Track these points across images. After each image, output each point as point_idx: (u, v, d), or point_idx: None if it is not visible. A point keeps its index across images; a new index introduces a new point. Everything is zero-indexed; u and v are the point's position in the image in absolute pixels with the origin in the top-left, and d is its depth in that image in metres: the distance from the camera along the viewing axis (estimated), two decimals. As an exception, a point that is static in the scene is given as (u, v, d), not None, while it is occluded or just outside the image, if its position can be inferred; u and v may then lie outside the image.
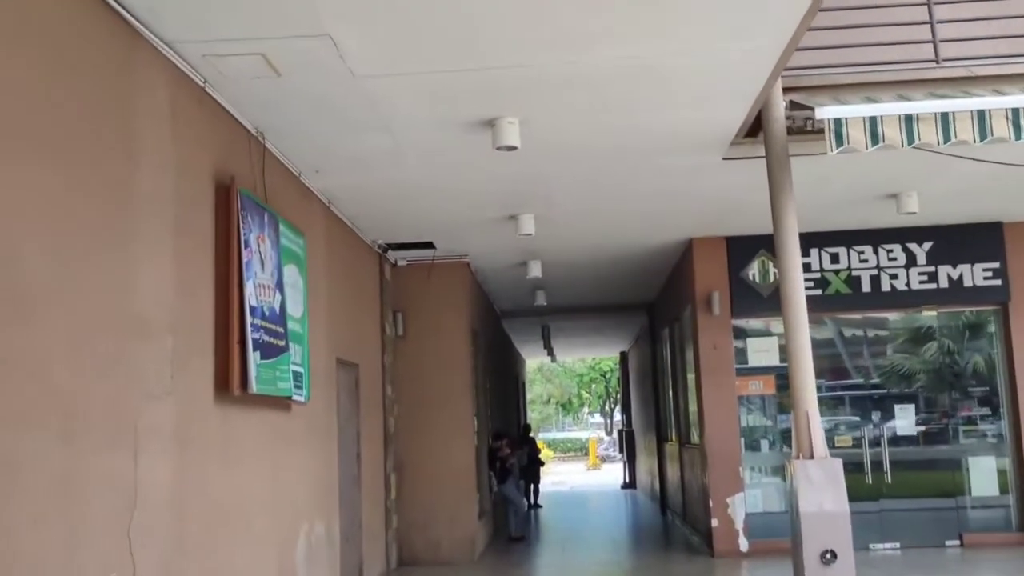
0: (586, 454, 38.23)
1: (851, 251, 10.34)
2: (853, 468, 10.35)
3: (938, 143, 6.17)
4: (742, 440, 10.50)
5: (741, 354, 10.67)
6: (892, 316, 10.76)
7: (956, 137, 6.17)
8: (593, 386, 44.52)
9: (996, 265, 10.17)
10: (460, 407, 10.92)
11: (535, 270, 11.38)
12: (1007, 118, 6.15)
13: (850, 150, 6.28)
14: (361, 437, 8.98)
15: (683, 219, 9.62)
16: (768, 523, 10.36)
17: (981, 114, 6.18)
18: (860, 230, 10.28)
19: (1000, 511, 10.28)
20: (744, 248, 10.42)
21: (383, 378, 10.21)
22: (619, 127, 6.61)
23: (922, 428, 10.57)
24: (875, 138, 6.16)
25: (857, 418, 10.81)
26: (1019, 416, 10.08)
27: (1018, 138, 6.11)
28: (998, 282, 10.15)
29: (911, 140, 6.18)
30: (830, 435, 10.14)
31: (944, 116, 6.18)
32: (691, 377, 11.49)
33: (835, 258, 10.33)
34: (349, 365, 8.65)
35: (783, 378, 10.83)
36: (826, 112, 6.30)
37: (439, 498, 10.64)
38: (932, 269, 10.23)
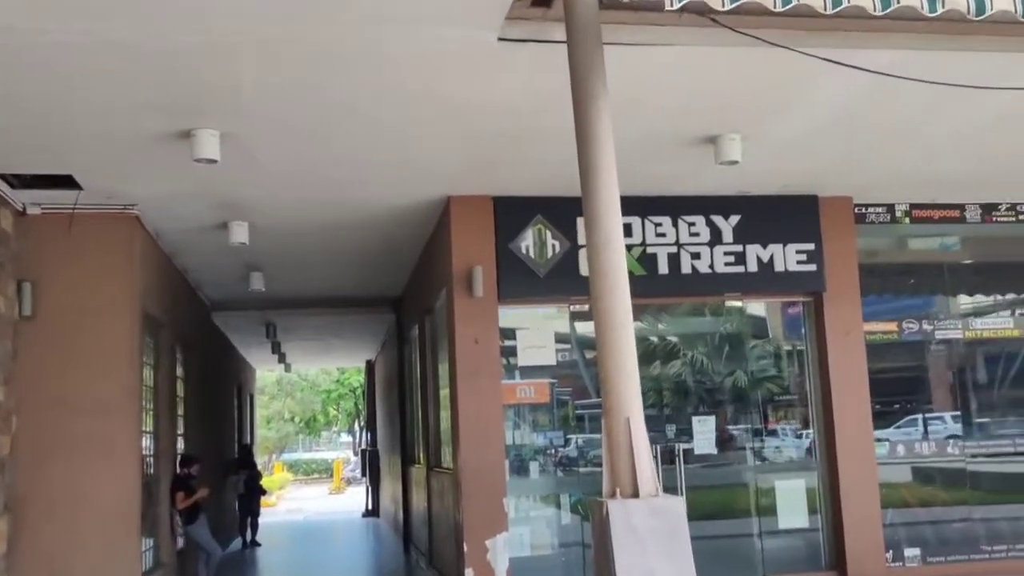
0: (332, 476, 35.18)
1: (646, 222, 8.22)
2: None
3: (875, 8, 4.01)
4: (507, 464, 8.06)
5: (509, 351, 8.26)
6: (694, 305, 8.79)
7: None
8: (341, 403, 41.25)
9: (811, 247, 8.41)
10: (121, 420, 7.67)
11: (240, 234, 8.37)
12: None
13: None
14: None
15: (436, 161, 7.03)
16: (539, 570, 7.99)
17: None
18: (657, 196, 8.19)
19: (810, 543, 8.49)
20: (516, 212, 8.01)
21: (-11, 377, 6.83)
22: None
23: (724, 444, 8.64)
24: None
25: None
26: (832, 428, 8.34)
27: (980, 13, 4.08)
28: (812, 267, 8.39)
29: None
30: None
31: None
32: (445, 383, 8.94)
33: (627, 230, 8.14)
34: None
35: (565, 381, 8.64)
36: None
37: (80, 549, 7.35)
38: (739, 249, 8.31)
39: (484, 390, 7.83)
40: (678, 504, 3.88)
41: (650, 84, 5.65)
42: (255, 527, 15.23)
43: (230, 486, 14.94)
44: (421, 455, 11.39)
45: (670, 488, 8.05)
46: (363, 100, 5.65)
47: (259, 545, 15.10)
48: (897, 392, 9.13)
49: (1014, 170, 8.02)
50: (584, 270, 7.84)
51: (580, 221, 7.75)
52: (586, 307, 7.94)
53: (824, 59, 5.04)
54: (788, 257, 8.35)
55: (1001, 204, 9.01)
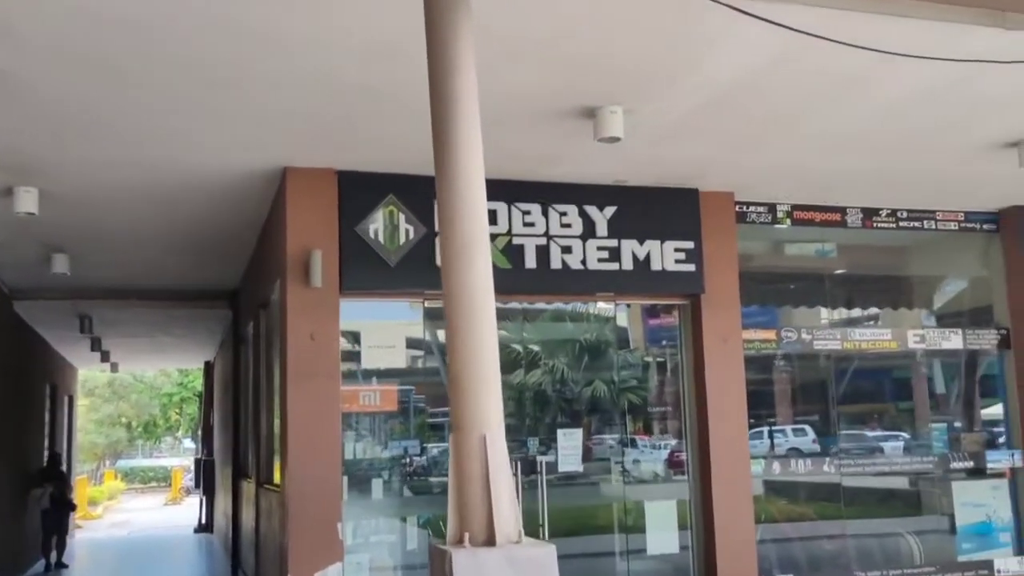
0: (170, 485, 32.82)
1: (513, 209, 7.29)
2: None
3: None
4: (346, 480, 6.95)
5: (353, 353, 7.16)
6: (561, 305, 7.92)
7: None
8: (185, 407, 38.65)
9: (690, 245, 7.68)
10: None
11: (27, 203, 6.93)
12: None
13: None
14: None
15: (268, 121, 5.87)
16: (377, 606, 6.95)
17: None
18: (526, 181, 7.28)
19: (678, 567, 7.74)
20: (365, 189, 6.93)
21: None
22: None
23: (589, 458, 7.82)
24: None
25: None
26: (707, 443, 7.62)
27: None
28: (691, 267, 7.66)
29: None
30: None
31: None
32: (278, 386, 7.75)
33: (491, 217, 7.20)
34: None
35: (420, 387, 7.61)
36: None
37: None
38: (614, 244, 7.49)
39: (320, 395, 6.69)
40: (547, 554, 2.92)
41: (524, 36, 4.72)
42: (61, 546, 13.41)
43: (33, 500, 13.09)
44: (252, 468, 10.08)
45: (531, 514, 7.17)
46: (181, 29, 4.46)
47: (65, 567, 13.31)
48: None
49: (900, 171, 7.54)
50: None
51: (435, 204, 6.78)
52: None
53: (736, 8, 4.21)
54: (666, 255, 7.60)
55: (882, 210, 8.57)
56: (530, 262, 7.24)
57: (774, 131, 6.44)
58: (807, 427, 8.96)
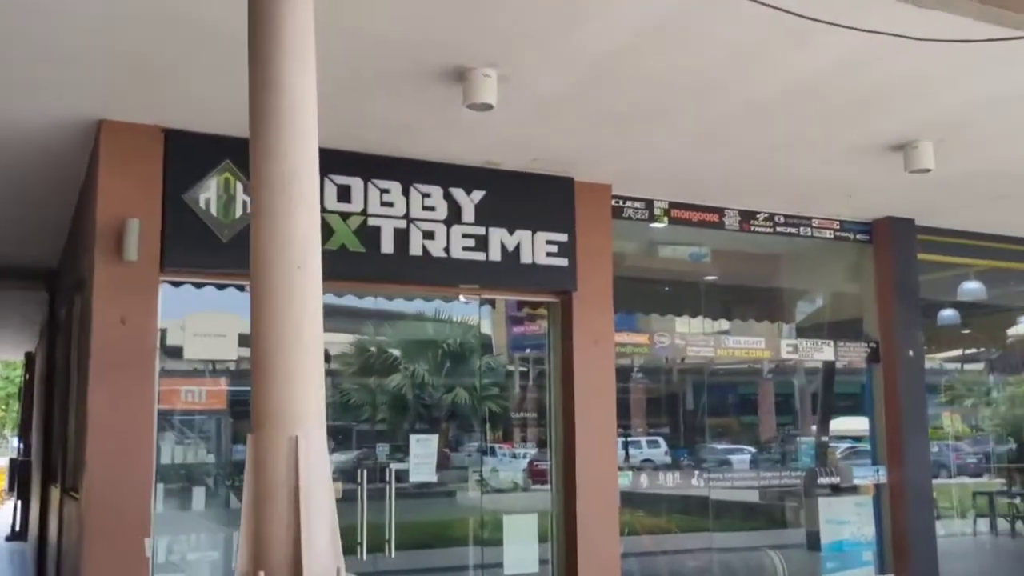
0: (-5, 487, 30.01)
1: (370, 186, 6.49)
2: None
3: None
4: (160, 489, 5.98)
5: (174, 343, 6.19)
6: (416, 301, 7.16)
7: None
8: (11, 402, 35.60)
9: (563, 238, 7.08)
10: None
11: None
12: None
13: None
14: None
15: (79, 65, 4.89)
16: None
17: None
18: (386, 157, 6.52)
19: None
20: (197, 152, 5.98)
21: None
22: None
23: (445, 467, 7.14)
24: None
25: (348, 455, 7.10)
26: (573, 452, 7.02)
27: None
28: (563, 262, 7.06)
29: None
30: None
31: None
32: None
33: (344, 193, 6.39)
34: None
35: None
36: None
37: None
38: (482, 232, 6.80)
39: (130, 389, 5.70)
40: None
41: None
42: None
43: None
44: (58, 472, 8.84)
45: (379, 527, 6.40)
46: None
47: None
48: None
49: (778, 172, 7.17)
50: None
51: (283, 174, 5.92)
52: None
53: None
54: (537, 248, 6.97)
55: (760, 213, 8.23)
56: (387, 246, 6.46)
57: (649, 118, 5.94)
58: (660, 439, 8.87)
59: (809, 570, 8.20)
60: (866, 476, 8.41)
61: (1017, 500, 11.16)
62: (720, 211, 8.05)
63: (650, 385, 8.74)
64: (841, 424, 10.75)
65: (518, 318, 7.83)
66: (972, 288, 9.84)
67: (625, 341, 7.55)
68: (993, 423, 11.35)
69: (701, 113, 5.86)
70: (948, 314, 10.35)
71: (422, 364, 8.07)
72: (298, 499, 2.11)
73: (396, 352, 8.17)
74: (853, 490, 8.40)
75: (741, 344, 8.12)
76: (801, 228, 8.41)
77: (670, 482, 7.65)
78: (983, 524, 10.94)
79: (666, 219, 7.84)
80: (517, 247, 6.88)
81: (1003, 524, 11.02)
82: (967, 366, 12.01)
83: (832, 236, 8.57)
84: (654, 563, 8.16)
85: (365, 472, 6.51)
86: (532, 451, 7.69)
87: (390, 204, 6.51)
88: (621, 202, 7.62)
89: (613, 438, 7.14)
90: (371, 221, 6.43)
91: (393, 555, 6.50)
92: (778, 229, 8.30)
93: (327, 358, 8.26)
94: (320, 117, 5.64)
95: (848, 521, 8.27)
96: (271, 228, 2.43)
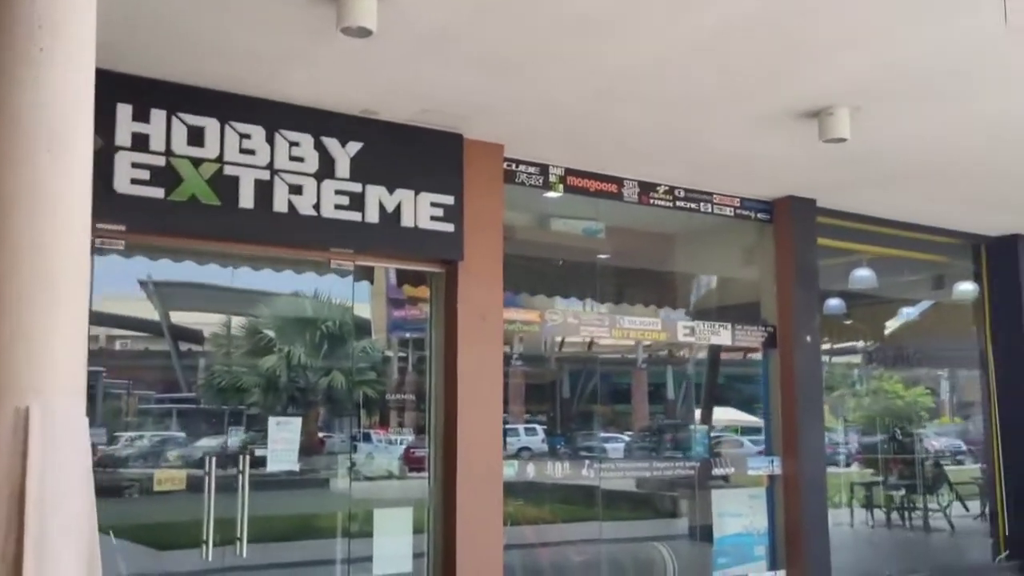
0: None
1: (228, 129, 5.61)
2: (180, 531, 5.71)
3: None
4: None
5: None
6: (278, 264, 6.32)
7: None
8: None
9: (450, 201, 6.36)
10: None
11: None
12: None
13: None
14: None
15: None
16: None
17: None
18: (248, 97, 5.66)
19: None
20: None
21: None
22: None
23: (313, 454, 6.44)
24: None
25: (195, 439, 6.34)
26: (455, 437, 6.32)
27: None
28: (449, 228, 6.34)
29: None
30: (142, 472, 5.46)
31: None
32: None
33: (196, 136, 5.49)
34: None
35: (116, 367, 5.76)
36: None
37: None
38: (358, 189, 6.01)
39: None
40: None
41: None
42: None
43: None
44: None
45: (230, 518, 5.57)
46: None
47: None
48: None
49: (681, 138, 6.65)
50: (123, 184, 5.13)
51: (123, 108, 5.04)
52: (121, 242, 5.21)
53: None
54: (420, 210, 6.23)
55: (660, 185, 7.72)
56: (246, 200, 5.61)
57: (546, 65, 5.29)
58: (538, 427, 8.65)
59: (700, 564, 7.77)
60: (760, 467, 8.03)
61: (902, 491, 11.13)
62: (619, 181, 7.50)
63: (529, 370, 8.35)
64: (726, 414, 10.52)
65: (399, 300, 7.27)
66: (863, 276, 9.64)
67: (514, 318, 6.91)
68: (858, 415, 11.30)
69: (601, 63, 5.26)
70: (834, 303, 10.15)
71: (298, 345, 7.79)
72: (23, 494, 1.34)
73: (271, 333, 7.86)
74: (744, 482, 8.02)
75: (637, 325, 7.59)
76: (701, 204, 7.95)
77: (559, 472, 7.06)
78: (860, 515, 10.85)
79: (562, 187, 7.23)
80: (398, 208, 6.13)
81: (879, 514, 11.00)
82: (844, 358, 11.93)
83: (732, 214, 8.15)
84: (537, 556, 7.62)
85: (214, 459, 5.65)
86: (409, 437, 7.02)
87: (251, 152, 5.65)
88: (514, 166, 6.97)
89: (499, 422, 6.49)
90: (228, 170, 5.56)
91: (244, 550, 5.68)
92: (678, 203, 7.81)
93: (199, 339, 7.58)
94: (168, 45, 4.78)
95: (741, 514, 7.87)
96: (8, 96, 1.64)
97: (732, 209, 8.13)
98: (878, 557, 10.10)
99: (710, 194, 7.98)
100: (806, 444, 7.97)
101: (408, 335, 7.48)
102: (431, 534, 6.41)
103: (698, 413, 10.03)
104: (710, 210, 8.00)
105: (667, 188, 7.74)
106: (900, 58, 5.23)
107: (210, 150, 5.51)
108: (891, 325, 11.80)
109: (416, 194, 6.20)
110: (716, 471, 7.90)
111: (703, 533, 7.86)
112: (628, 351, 9.32)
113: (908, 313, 11.72)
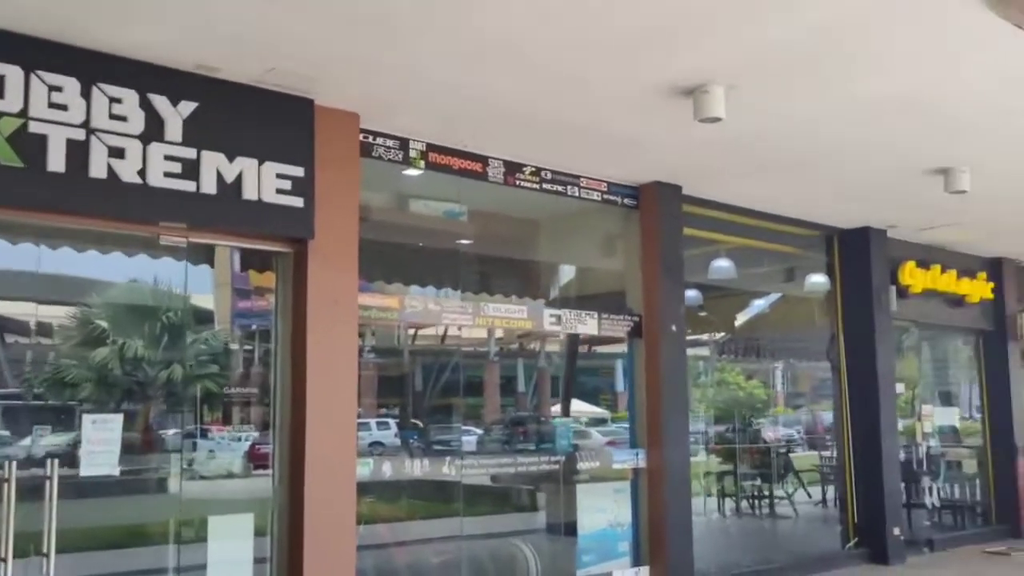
0: None
1: (33, 79, 4.81)
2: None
3: None
4: None
5: None
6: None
7: None
8: None
9: (299, 173, 5.73)
10: None
11: None
12: None
13: None
14: None
15: None
16: None
17: None
18: (60, 44, 4.87)
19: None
20: None
21: None
22: None
23: (144, 453, 5.81)
24: None
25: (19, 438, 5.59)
26: (303, 432, 5.71)
27: None
28: (298, 202, 5.71)
29: None
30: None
31: None
32: None
33: (-4, 85, 4.69)
34: None
35: None
36: None
37: None
38: (192, 155, 5.30)
39: None
40: None
41: None
42: None
43: None
44: None
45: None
46: None
47: None
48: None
49: (548, 114, 6.25)
50: None
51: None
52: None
53: None
54: (264, 182, 5.58)
55: (527, 166, 7.33)
56: (56, 163, 4.83)
57: (408, 17, 4.77)
58: (391, 421, 8.49)
59: (564, 562, 7.44)
60: (624, 460, 7.78)
61: (755, 480, 11.24)
62: (484, 160, 7.07)
63: (381, 362, 8.07)
64: (582, 406, 10.34)
65: (244, 290, 6.73)
66: (722, 267, 9.56)
67: (370, 304, 6.37)
68: (704, 406, 11.38)
69: (471, 27, 4.80)
70: (691, 295, 10.08)
71: (135, 337, 7.19)
72: None
73: (103, 323, 7.21)
74: (609, 475, 7.76)
75: (502, 313, 7.18)
76: (568, 187, 7.62)
77: (418, 470, 6.57)
78: (713, 504, 10.89)
79: (423, 163, 6.73)
80: (239, 178, 5.46)
81: (729, 503, 11.10)
82: (694, 351, 11.99)
83: (599, 199, 7.87)
84: (393, 557, 7.14)
85: (14, 464, 4.85)
86: (254, 434, 6.40)
87: (62, 107, 4.86)
88: (371, 138, 6.41)
89: (352, 415, 5.95)
90: (33, 127, 4.76)
91: (52, 566, 4.91)
92: (544, 186, 7.45)
93: (25, 331, 6.74)
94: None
95: (605, 509, 7.60)
96: None
97: (599, 193, 7.85)
98: (734, 548, 10.12)
99: (577, 177, 7.66)
100: (671, 436, 7.79)
101: (254, 326, 6.96)
102: (275, 537, 5.79)
103: (557, 406, 9.82)
104: (577, 194, 7.68)
105: (534, 169, 7.37)
106: (778, 35, 5.02)
107: (12, 103, 4.70)
108: (742, 317, 11.91)
109: (260, 163, 5.55)
110: (580, 465, 7.60)
111: (567, 529, 7.55)
112: (481, 344, 9.07)
113: (759, 305, 11.85)
